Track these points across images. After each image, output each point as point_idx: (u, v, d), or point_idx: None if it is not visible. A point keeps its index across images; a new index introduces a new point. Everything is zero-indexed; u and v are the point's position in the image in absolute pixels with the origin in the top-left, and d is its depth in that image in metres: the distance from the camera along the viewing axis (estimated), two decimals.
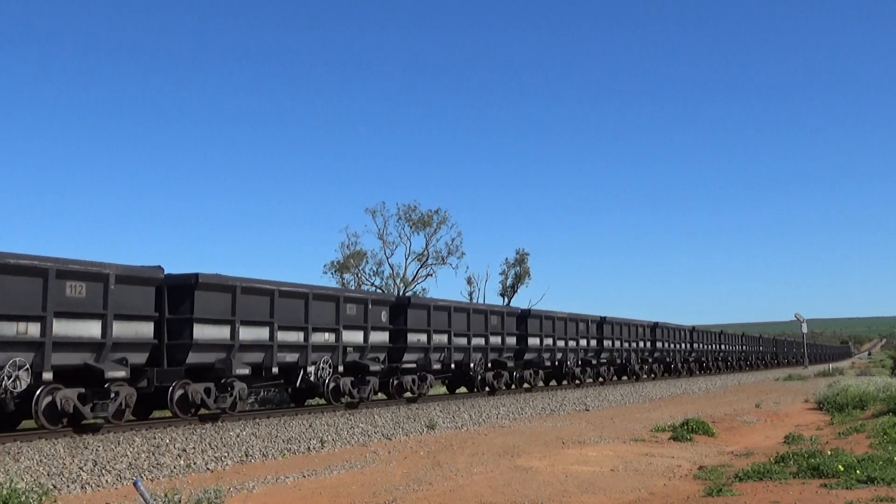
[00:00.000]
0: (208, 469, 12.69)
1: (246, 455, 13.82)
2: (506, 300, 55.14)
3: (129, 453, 12.75)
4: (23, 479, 10.05)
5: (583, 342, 33.51)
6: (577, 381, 32.67)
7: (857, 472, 10.71)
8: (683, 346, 46.96)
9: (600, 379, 35.18)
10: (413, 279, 52.67)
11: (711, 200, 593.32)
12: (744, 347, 64.40)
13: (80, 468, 11.64)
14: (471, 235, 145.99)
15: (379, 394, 22.24)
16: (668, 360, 43.86)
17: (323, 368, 19.08)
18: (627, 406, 26.83)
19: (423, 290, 52.50)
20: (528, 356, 29.02)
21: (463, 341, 24.71)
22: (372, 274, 52.24)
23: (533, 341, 29.34)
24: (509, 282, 56.36)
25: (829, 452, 12.83)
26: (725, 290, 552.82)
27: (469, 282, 54.96)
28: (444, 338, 23.78)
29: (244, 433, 15.30)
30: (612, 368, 36.78)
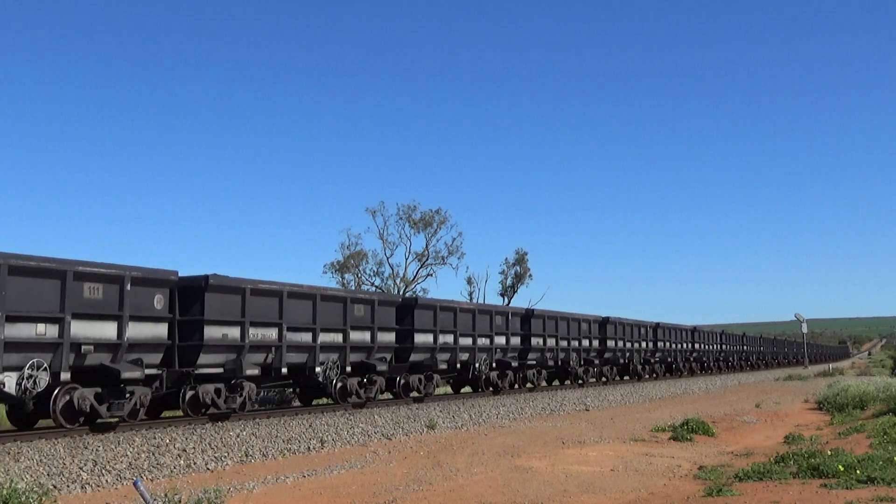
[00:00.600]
0: (208, 469, 12.70)
1: (246, 455, 13.82)
2: (506, 300, 55.19)
3: (129, 453, 12.76)
4: (23, 479, 10.06)
5: (500, 340, 27.16)
6: (494, 388, 26.90)
7: (857, 472, 10.71)
8: (646, 345, 40.68)
9: (528, 385, 29.36)
10: (413, 279, 52.77)
11: (712, 200, 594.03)
12: (723, 347, 56.92)
13: (80, 468, 11.65)
14: (471, 235, 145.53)
15: (178, 410, 17.01)
16: (622, 361, 37.82)
17: (32, 377, 13.35)
18: (628, 406, 26.83)
19: (424, 289, 52.59)
20: (415, 357, 22.97)
21: (306, 338, 18.97)
22: (372, 274, 52.34)
23: (423, 338, 23.18)
24: (509, 282, 56.46)
25: (829, 452, 12.83)
26: (725, 290, 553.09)
27: (469, 282, 55.07)
28: (273, 333, 17.98)
29: (244, 433, 15.31)
30: (543, 371, 30.52)
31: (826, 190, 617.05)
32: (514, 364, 27.77)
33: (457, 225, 71.34)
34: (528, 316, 29.53)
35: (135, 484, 8.29)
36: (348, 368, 20.25)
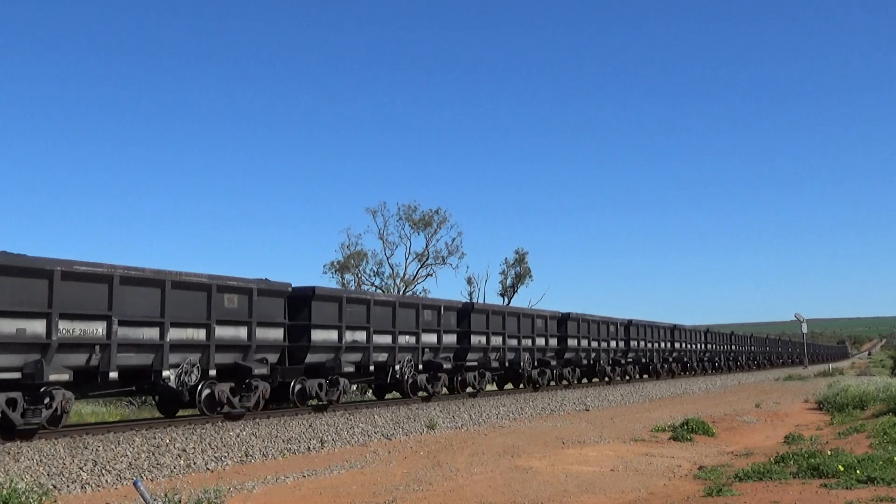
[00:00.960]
0: (208, 469, 12.70)
1: (246, 455, 13.83)
2: (506, 300, 55.20)
3: (129, 453, 12.77)
4: (23, 479, 10.06)
5: (429, 339, 23.41)
6: (425, 394, 23.27)
7: (857, 472, 10.71)
8: (615, 344, 37.34)
9: (469, 389, 25.67)
10: (413, 279, 52.80)
11: (711, 200, 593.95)
12: (708, 346, 52.82)
13: (80, 468, 11.65)
14: (471, 235, 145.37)
15: None
16: (586, 362, 34.11)
17: None
18: (627, 406, 26.85)
19: (425, 290, 52.61)
20: (313, 358, 19.21)
21: (150, 334, 15.26)
22: (372, 274, 52.39)
23: (323, 336, 19.41)
24: (509, 282, 56.49)
25: (829, 452, 12.84)
26: (725, 290, 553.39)
27: (469, 282, 55.10)
28: (98, 328, 14.37)
29: (244, 433, 15.31)
30: (487, 374, 26.63)
31: (826, 190, 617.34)
32: (448, 366, 24.03)
33: (457, 225, 71.31)
34: (466, 311, 25.68)
35: (135, 484, 8.29)
36: (212, 372, 16.51)
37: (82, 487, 10.95)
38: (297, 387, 18.95)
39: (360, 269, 51.65)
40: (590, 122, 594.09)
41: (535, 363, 29.63)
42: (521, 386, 29.60)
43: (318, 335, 19.21)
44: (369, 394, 26.79)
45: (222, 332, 16.80)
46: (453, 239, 53.44)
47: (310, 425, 16.89)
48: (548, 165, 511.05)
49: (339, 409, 20.12)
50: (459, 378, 25.41)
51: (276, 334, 18.30)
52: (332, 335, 19.73)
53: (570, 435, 17.54)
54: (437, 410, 20.93)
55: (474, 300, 52.41)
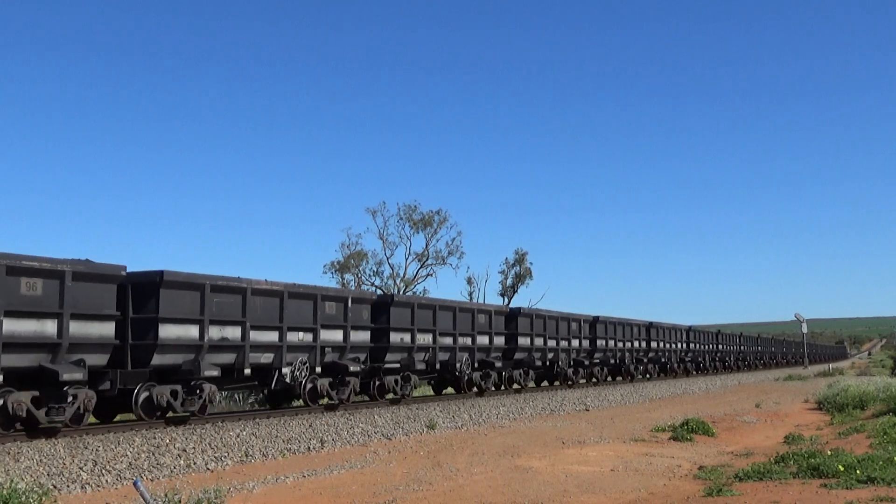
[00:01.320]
0: (208, 469, 12.71)
1: (246, 455, 13.83)
2: (506, 300, 55.24)
3: (129, 453, 12.77)
4: (23, 479, 10.06)
5: (333, 336, 20.01)
6: (329, 402, 20.07)
7: (857, 472, 10.72)
8: (579, 343, 33.80)
9: (389, 395, 22.32)
10: (413, 279, 52.83)
11: (711, 200, 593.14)
12: (690, 346, 48.62)
13: (80, 468, 11.66)
14: (471, 235, 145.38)
15: None
16: (540, 363, 30.21)
17: None
18: (627, 406, 26.86)
19: (425, 289, 52.66)
20: (161, 360, 15.70)
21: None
22: (372, 274, 52.43)
23: (176, 332, 15.98)
24: (509, 282, 56.52)
25: (829, 452, 12.84)
26: (725, 290, 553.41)
27: (469, 282, 55.15)
28: None
29: (244, 433, 15.32)
30: (413, 377, 23.23)
31: (826, 190, 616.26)
32: (356, 368, 20.32)
33: (457, 225, 71.44)
34: (384, 304, 22.12)
35: (135, 484, 8.30)
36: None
37: (82, 487, 10.96)
38: (143, 395, 15.56)
39: (360, 269, 51.75)
40: (590, 122, 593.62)
41: (476, 364, 25.91)
42: (462, 390, 25.86)
43: (168, 331, 15.68)
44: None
45: (16, 326, 13.20)
46: (453, 239, 53.57)
47: (310, 425, 16.90)
48: (548, 165, 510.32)
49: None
50: (377, 382, 21.82)
51: (104, 329, 14.70)
52: (191, 331, 16.17)
53: (570, 435, 17.55)
54: (437, 410, 20.95)
55: (474, 300, 52.49)
